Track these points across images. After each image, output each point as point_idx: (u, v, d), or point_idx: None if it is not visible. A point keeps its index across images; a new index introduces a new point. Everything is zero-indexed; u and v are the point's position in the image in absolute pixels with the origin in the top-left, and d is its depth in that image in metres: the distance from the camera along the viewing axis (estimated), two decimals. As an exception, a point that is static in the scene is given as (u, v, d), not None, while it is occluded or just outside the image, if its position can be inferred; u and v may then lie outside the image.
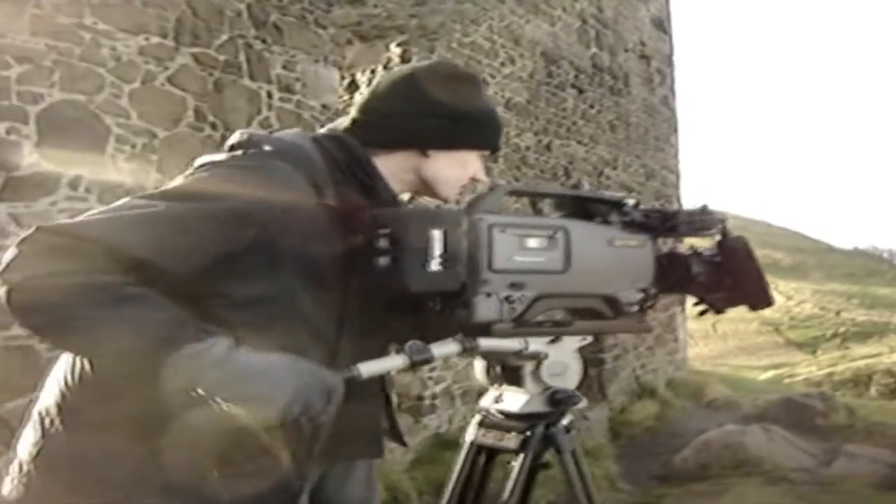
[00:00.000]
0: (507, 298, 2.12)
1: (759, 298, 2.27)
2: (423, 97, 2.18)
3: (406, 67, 2.27)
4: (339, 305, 2.09)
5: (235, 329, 1.89)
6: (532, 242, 2.14)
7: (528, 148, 11.31)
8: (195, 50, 6.31)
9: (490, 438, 2.37)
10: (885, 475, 9.90)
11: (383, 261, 2.01)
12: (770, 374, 23.27)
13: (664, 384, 15.55)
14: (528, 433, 2.28)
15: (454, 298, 2.09)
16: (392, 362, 2.04)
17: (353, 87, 9.98)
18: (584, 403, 2.26)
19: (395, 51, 9.45)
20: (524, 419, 2.30)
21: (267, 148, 2.06)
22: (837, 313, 33.11)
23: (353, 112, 2.26)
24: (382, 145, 2.18)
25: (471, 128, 2.23)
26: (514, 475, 2.27)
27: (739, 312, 2.37)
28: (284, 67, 7.13)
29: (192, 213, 1.90)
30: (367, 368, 2.00)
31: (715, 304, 2.30)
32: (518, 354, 2.20)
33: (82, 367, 2.02)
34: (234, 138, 2.14)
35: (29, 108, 5.22)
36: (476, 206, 2.13)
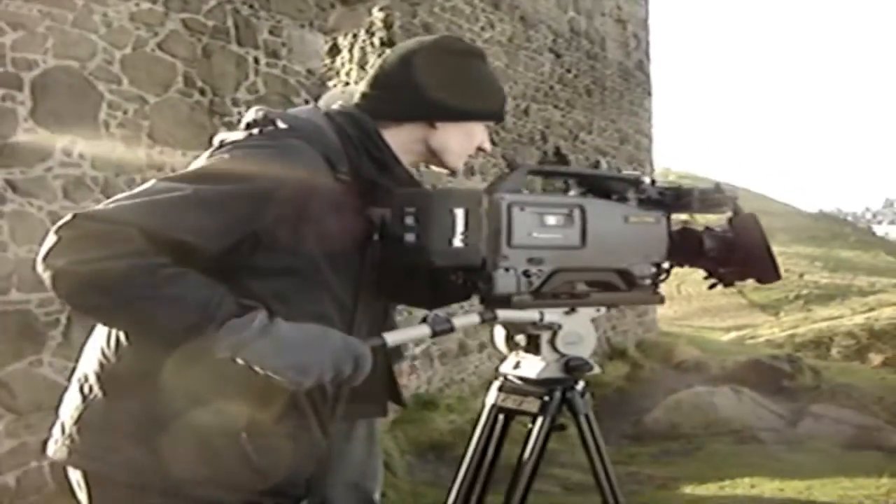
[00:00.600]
0: (525, 273, 2.22)
1: (767, 273, 2.36)
2: (430, 71, 2.25)
3: (412, 42, 2.34)
4: (355, 275, 2.19)
5: (264, 299, 1.99)
6: (550, 219, 2.24)
7: (506, 112, 11.34)
8: (184, 15, 6.29)
9: (510, 402, 2.47)
10: (851, 435, 10.17)
11: (410, 237, 2.10)
12: (732, 335, 23.49)
13: (634, 345, 15.76)
14: (547, 397, 2.39)
15: (475, 272, 2.19)
16: (416, 332, 2.14)
17: (334, 51, 10.01)
18: (597, 370, 2.37)
19: (377, 15, 9.46)
20: (542, 384, 2.39)
21: (282, 125, 2.14)
22: (801, 276, 33.33)
23: (362, 86, 2.33)
24: (392, 118, 2.25)
25: (477, 100, 2.31)
26: (534, 435, 2.37)
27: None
28: (271, 32, 7.13)
29: (220, 194, 1.97)
30: (393, 337, 2.11)
31: (725, 277, 2.40)
32: (535, 324, 2.30)
33: (118, 339, 2.10)
34: (249, 115, 2.22)
35: (23, 74, 5.20)
36: (498, 185, 2.23)
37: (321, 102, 2.40)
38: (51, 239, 1.89)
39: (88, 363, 2.17)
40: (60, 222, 1.91)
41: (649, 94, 16.58)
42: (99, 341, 2.17)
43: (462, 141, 2.33)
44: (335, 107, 2.31)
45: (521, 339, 2.42)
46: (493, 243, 2.17)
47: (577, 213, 2.27)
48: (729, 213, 2.38)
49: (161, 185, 2.00)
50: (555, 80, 12.88)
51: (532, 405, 2.41)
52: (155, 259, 1.89)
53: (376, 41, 9.62)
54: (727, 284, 2.41)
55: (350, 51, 9.93)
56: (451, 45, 2.33)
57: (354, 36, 9.76)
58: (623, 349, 15.04)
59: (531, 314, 2.27)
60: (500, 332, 2.45)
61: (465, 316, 2.20)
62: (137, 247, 1.88)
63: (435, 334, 2.14)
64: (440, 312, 2.18)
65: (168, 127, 6.20)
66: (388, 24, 9.50)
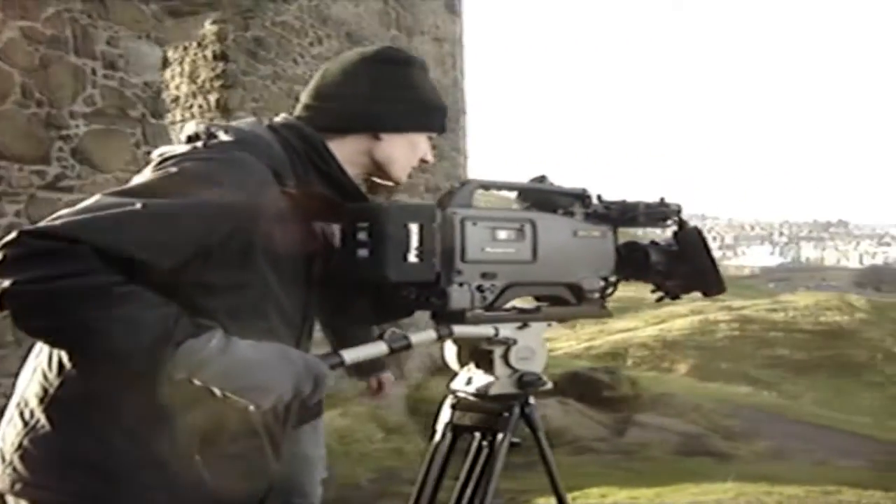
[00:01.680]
0: (478, 288, 2.20)
1: (712, 285, 2.40)
2: (374, 82, 2.23)
3: (353, 53, 2.31)
4: (303, 291, 2.17)
5: (215, 316, 1.94)
6: (502, 234, 2.23)
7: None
8: (23, 23, 6.08)
9: (465, 419, 2.45)
10: (677, 442, 10.53)
11: (363, 252, 2.08)
12: (532, 348, 24.09)
13: (456, 360, 15.90)
14: (507, 413, 2.37)
15: (429, 288, 2.17)
16: (373, 349, 2.11)
17: (164, 64, 9.75)
18: (549, 385, 2.38)
19: (209, 28, 9.29)
20: (498, 400, 2.38)
21: (227, 138, 2.08)
22: (596, 290, 34.52)
23: (303, 98, 2.29)
24: (336, 130, 2.21)
25: (421, 111, 2.29)
26: (500, 452, 2.36)
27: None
28: (108, 43, 6.93)
29: (171, 208, 1.91)
30: (350, 355, 2.07)
31: (671, 290, 2.43)
32: (489, 340, 2.29)
33: (60, 361, 2.02)
34: (189, 129, 2.17)
35: None
36: (449, 200, 2.21)
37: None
38: None
39: (28, 387, 2.07)
40: (5, 240, 1.82)
41: (464, 111, 16.82)
42: (38, 364, 2.07)
43: (406, 152, 2.30)
44: (278, 119, 2.27)
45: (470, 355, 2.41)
46: (447, 258, 2.16)
47: (528, 227, 2.26)
48: (674, 227, 2.42)
49: (108, 200, 1.92)
50: (379, 97, 12.87)
51: (489, 422, 2.40)
52: (107, 277, 1.82)
53: (208, 54, 9.44)
54: (674, 297, 2.45)
55: (181, 63, 9.70)
56: (392, 55, 2.30)
57: (185, 48, 9.54)
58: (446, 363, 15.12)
59: (486, 329, 2.26)
60: (450, 349, 2.43)
61: (422, 332, 2.18)
62: (88, 265, 1.80)
63: (392, 351, 2.12)
64: (396, 329, 2.16)
65: (5, 139, 5.91)
66: (221, 38, 9.33)
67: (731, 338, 29.92)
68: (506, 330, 2.29)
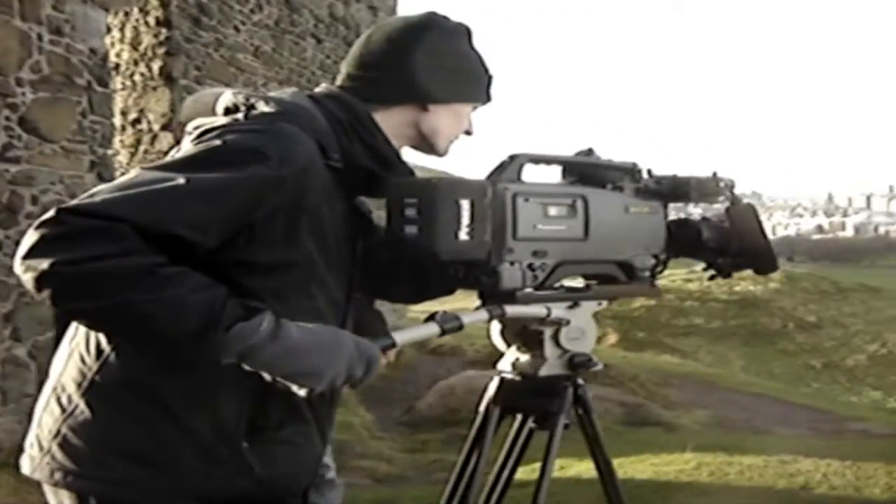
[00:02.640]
0: (529, 266, 2.12)
1: (764, 263, 2.32)
2: (422, 50, 2.12)
3: (398, 20, 2.21)
4: (347, 270, 2.09)
5: (261, 297, 1.84)
6: (553, 210, 2.15)
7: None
8: (-32, -14, 5.78)
9: (514, 401, 2.37)
10: (621, 413, 10.58)
11: (411, 229, 2.00)
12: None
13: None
14: (560, 395, 2.30)
15: (479, 267, 2.09)
16: (425, 330, 2.02)
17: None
18: (600, 366, 2.31)
19: (151, -6, 9.02)
20: (548, 382, 2.30)
21: (268, 109, 1.97)
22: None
23: (346, 67, 2.19)
24: (382, 101, 2.12)
25: (469, 81, 2.20)
26: (557, 435, 2.28)
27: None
28: (54, 8, 6.69)
29: (217, 183, 1.81)
30: (402, 337, 1.98)
31: (723, 268, 2.35)
32: (542, 321, 2.21)
33: (98, 343, 1.92)
34: (226, 99, 2.05)
35: None
36: (499, 175, 2.13)
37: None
38: (31, 237, 1.70)
39: (65, 372, 1.97)
40: (42, 218, 1.71)
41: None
42: (75, 347, 1.97)
43: (452, 124, 2.20)
44: (319, 90, 2.16)
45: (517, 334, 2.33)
46: (498, 236, 2.07)
47: (579, 203, 2.18)
48: (726, 203, 2.34)
49: (149, 175, 1.81)
50: (316, 66, 12.71)
51: (538, 404, 2.32)
52: (151, 257, 1.72)
53: (151, 20, 9.19)
54: (726, 276, 2.38)
55: (122, 30, 9.42)
56: (440, 23, 2.18)
57: (126, 15, 9.26)
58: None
59: (538, 310, 2.18)
60: (496, 328, 2.34)
61: (474, 312, 2.09)
62: (131, 244, 1.70)
63: (444, 332, 2.02)
64: (447, 310, 2.07)
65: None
66: (164, 3, 9.08)
67: (648, 307, 30.39)
68: (557, 310, 2.21)
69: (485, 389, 2.41)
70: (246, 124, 1.94)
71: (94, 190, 1.80)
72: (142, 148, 9.57)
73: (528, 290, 2.15)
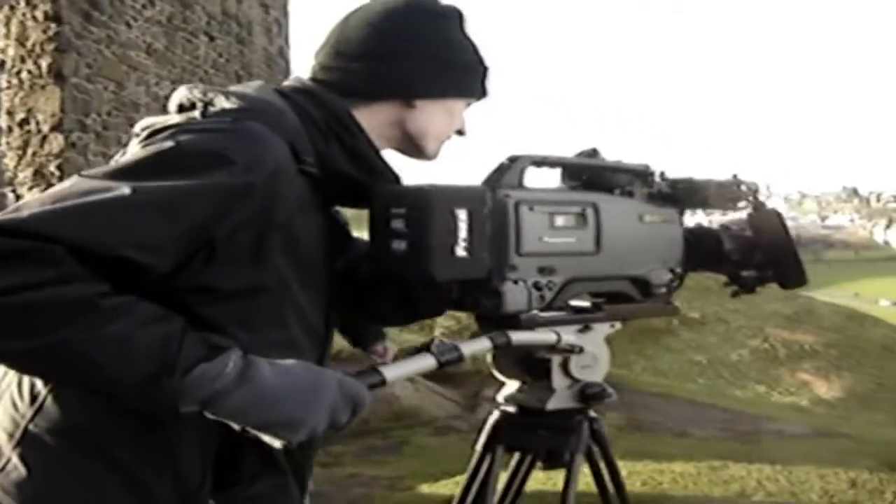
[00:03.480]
0: (535, 285, 1.84)
1: (792, 276, 2.06)
2: (407, 37, 1.82)
3: (378, 3, 1.87)
4: (326, 291, 1.79)
5: (222, 328, 1.55)
6: (560, 220, 1.87)
7: (166, 97, 10.72)
8: None
9: (522, 438, 2.09)
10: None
11: (399, 244, 1.71)
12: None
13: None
14: (577, 431, 2.02)
15: (478, 286, 1.80)
16: (419, 364, 1.73)
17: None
18: (615, 398, 2.03)
19: (37, -14, 8.47)
20: (561, 416, 2.01)
21: (229, 105, 1.65)
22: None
23: (318, 57, 1.86)
24: (361, 96, 1.80)
25: (463, 72, 1.89)
26: (575, 475, 2.01)
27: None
28: (-64, 0, 6.14)
29: (170, 193, 1.49)
30: (392, 373, 1.69)
31: (747, 283, 2.08)
32: (553, 348, 1.93)
33: (32, 385, 1.61)
34: (181, 95, 1.74)
35: None
36: (497, 180, 1.84)
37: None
38: None
39: None
40: None
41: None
42: (5, 388, 1.66)
43: (443, 122, 1.89)
44: (288, 83, 1.84)
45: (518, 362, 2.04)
46: (499, 251, 1.79)
47: (590, 211, 1.90)
48: (748, 209, 2.07)
49: (87, 184, 1.48)
50: (209, 65, 12.31)
51: (553, 441, 2.03)
52: (91, 286, 1.41)
53: (39, 15, 8.64)
54: (749, 291, 2.11)
55: (7, 25, 8.84)
56: (428, 5, 1.87)
57: (12, 8, 8.71)
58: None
59: (548, 335, 1.89)
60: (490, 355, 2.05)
61: (475, 341, 1.80)
62: (67, 270, 1.39)
63: (441, 365, 1.73)
64: (444, 339, 1.78)
65: None
66: (49, -5, 8.54)
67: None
68: (567, 335, 1.93)
69: (482, 426, 2.12)
70: (203, 123, 1.62)
71: (20, 203, 1.47)
72: (30, 150, 9.00)
73: (534, 312, 1.87)
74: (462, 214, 1.72)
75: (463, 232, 1.72)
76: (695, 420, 11.58)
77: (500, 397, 2.09)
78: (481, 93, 1.94)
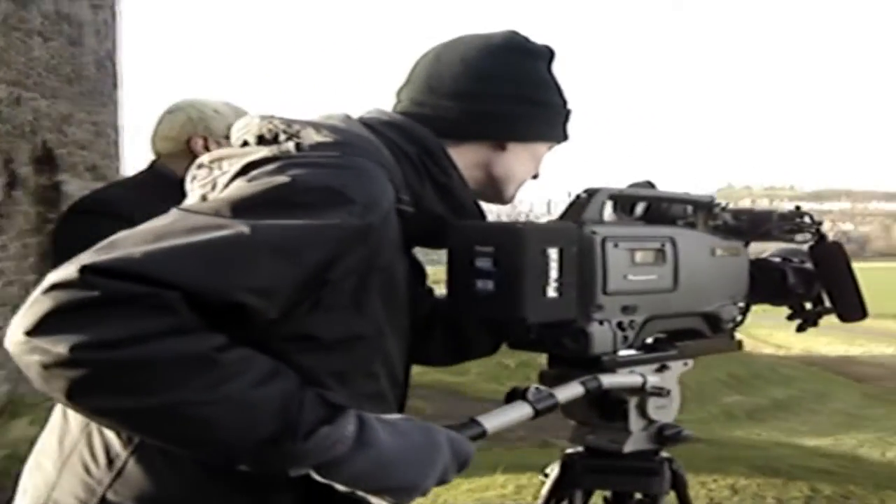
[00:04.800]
0: (619, 325, 1.78)
1: (852, 310, 2.03)
2: (506, 77, 1.73)
3: (475, 39, 1.77)
4: (407, 337, 1.68)
5: (318, 380, 1.43)
6: (639, 256, 1.80)
7: (1, 101, 10.16)
8: None
9: (596, 482, 2.02)
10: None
11: (484, 284, 1.61)
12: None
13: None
14: (661, 474, 1.97)
15: (559, 327, 1.72)
16: (517, 413, 1.63)
17: None
18: (692, 437, 1.97)
19: None
20: (639, 458, 1.95)
21: (324, 138, 1.51)
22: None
23: (408, 91, 1.76)
24: (453, 135, 1.70)
25: (554, 115, 1.82)
26: None
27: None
28: None
29: (289, 233, 1.36)
30: (492, 423, 1.59)
31: (810, 316, 2.07)
32: (639, 390, 1.86)
33: (107, 446, 1.46)
34: (258, 125, 1.57)
35: None
36: (578, 215, 1.76)
37: None
38: (40, 304, 1.21)
39: (59, 484, 1.50)
40: (56, 278, 1.23)
41: (116, 85, 15.82)
42: (72, 448, 1.50)
43: (528, 167, 1.83)
44: (372, 115, 1.71)
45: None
46: (587, 290, 1.71)
47: (668, 246, 1.84)
48: (810, 242, 2.04)
49: (192, 221, 1.34)
50: (42, 67, 11.78)
51: (634, 484, 1.98)
52: (209, 338, 1.27)
53: None
54: (813, 324, 2.07)
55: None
56: (524, 45, 1.78)
57: None
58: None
59: (634, 378, 1.82)
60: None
61: (567, 387, 1.71)
62: (182, 319, 1.25)
63: (537, 413, 1.64)
64: (540, 386, 1.69)
65: None
66: None
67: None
68: (651, 375, 1.88)
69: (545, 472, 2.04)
70: (309, 157, 1.47)
71: (112, 240, 1.31)
72: None
73: (616, 354, 1.82)
74: (553, 253, 1.63)
75: (554, 272, 1.64)
76: (547, 428, 11.74)
77: (573, 440, 2.01)
78: (563, 136, 1.87)
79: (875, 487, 6.73)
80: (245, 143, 1.59)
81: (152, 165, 2.93)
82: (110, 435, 1.45)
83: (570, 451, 2.02)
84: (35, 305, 1.21)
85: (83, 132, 14.16)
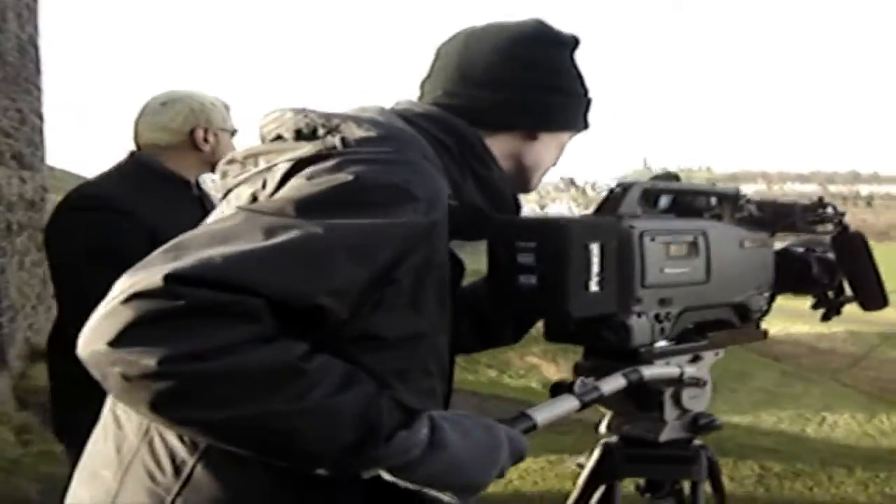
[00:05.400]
0: (656, 317, 1.81)
1: (874, 299, 2.06)
2: (537, 66, 1.74)
3: (503, 30, 1.77)
4: (450, 331, 1.67)
5: (381, 379, 1.42)
6: (674, 249, 1.83)
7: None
8: None
9: (639, 470, 2.06)
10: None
11: (527, 279, 1.64)
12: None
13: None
14: (698, 462, 2.01)
15: (599, 320, 1.75)
16: (565, 406, 1.64)
17: None
18: (721, 427, 2.00)
19: None
20: (676, 447, 1.99)
21: (367, 133, 1.49)
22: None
23: (439, 81, 1.74)
24: (488, 125, 1.70)
25: (580, 104, 1.83)
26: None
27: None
28: None
29: (361, 233, 1.35)
30: (542, 416, 1.61)
31: (834, 305, 2.10)
32: (676, 381, 1.89)
33: (171, 452, 1.44)
34: (296, 120, 1.54)
35: None
36: (615, 209, 1.78)
37: None
38: (121, 315, 1.19)
39: (122, 492, 1.47)
40: (136, 286, 1.20)
41: (39, 70, 15.50)
42: (132, 455, 1.48)
43: (554, 156, 1.84)
44: (404, 106, 1.70)
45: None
46: (626, 283, 1.74)
47: (701, 239, 1.87)
48: (831, 231, 2.07)
49: (260, 222, 1.32)
50: (-34, 54, 11.48)
51: (672, 472, 2.03)
52: (293, 347, 1.27)
53: None
54: (836, 313, 2.10)
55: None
56: (552, 34, 1.78)
57: None
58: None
59: (673, 370, 1.84)
60: None
61: (610, 379, 1.72)
62: (267, 327, 1.24)
63: (584, 406, 1.66)
64: (586, 379, 1.70)
65: None
66: None
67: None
68: (688, 367, 1.91)
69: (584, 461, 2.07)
70: (362, 153, 1.45)
71: (181, 240, 1.30)
72: None
73: (653, 345, 1.85)
74: (595, 248, 1.65)
75: (596, 266, 1.66)
76: (478, 410, 11.73)
77: (602, 429, 2.04)
78: (585, 125, 1.88)
79: (821, 464, 6.89)
80: (277, 138, 1.57)
81: (132, 156, 2.89)
82: (173, 440, 1.43)
83: (606, 440, 2.04)
84: (116, 315, 1.19)
85: (8, 119, 13.86)
